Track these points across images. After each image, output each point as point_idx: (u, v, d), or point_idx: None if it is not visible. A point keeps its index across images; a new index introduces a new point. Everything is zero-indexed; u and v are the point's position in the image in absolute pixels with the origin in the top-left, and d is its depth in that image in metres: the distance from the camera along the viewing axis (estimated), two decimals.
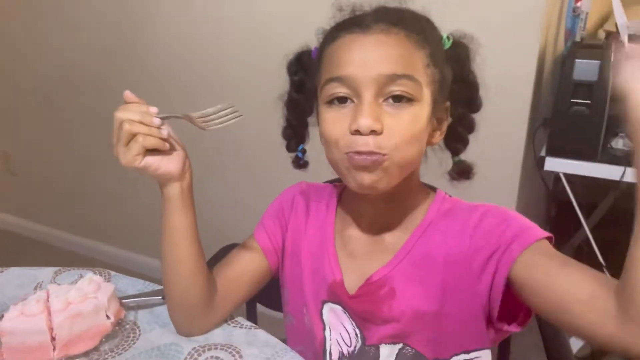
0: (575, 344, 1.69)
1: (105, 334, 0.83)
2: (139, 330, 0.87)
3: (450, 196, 0.85)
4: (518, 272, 0.70)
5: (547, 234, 0.73)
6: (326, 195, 0.90)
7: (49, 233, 2.71)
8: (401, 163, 0.72)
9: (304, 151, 0.86)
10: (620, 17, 1.62)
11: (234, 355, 0.81)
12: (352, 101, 0.71)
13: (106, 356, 0.81)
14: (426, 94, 0.72)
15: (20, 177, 2.75)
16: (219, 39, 1.94)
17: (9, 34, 2.45)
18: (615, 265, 1.59)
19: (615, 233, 1.97)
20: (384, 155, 0.70)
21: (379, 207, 0.81)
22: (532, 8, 1.42)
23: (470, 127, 0.81)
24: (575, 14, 1.76)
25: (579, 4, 1.75)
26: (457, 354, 0.81)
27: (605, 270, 1.59)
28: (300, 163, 0.87)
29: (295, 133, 0.86)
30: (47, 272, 1.03)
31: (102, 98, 2.28)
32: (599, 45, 1.51)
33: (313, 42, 0.82)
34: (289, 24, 1.76)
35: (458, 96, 0.79)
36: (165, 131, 0.73)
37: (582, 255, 2.29)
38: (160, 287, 0.95)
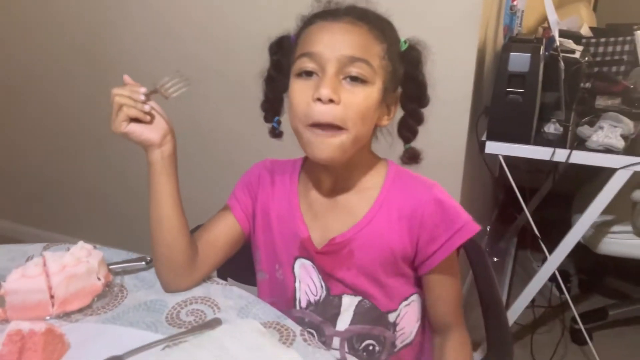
0: (516, 312, 1.86)
1: (96, 294, 0.94)
2: (126, 291, 0.98)
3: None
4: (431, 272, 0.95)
5: (474, 230, 0.91)
6: (289, 167, 1.03)
7: (15, 229, 2.75)
8: (356, 138, 0.86)
9: (279, 122, 0.99)
10: (551, 14, 1.80)
11: (212, 307, 0.93)
12: (317, 75, 0.85)
13: (99, 312, 0.93)
14: (379, 80, 0.87)
15: None
16: (184, 37, 2.03)
17: None
18: (552, 241, 1.77)
19: (553, 213, 2.16)
20: (342, 129, 0.83)
21: (336, 173, 0.95)
22: (470, 6, 1.58)
23: (420, 120, 0.95)
24: (512, 11, 1.94)
25: (515, 2, 1.93)
26: (401, 303, 0.98)
27: (541, 242, 1.77)
28: (275, 133, 0.99)
29: (271, 106, 0.98)
30: (36, 247, 1.12)
31: (64, 93, 2.36)
32: (531, 40, 1.68)
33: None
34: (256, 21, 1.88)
35: (410, 93, 0.93)
36: (147, 106, 0.88)
37: (526, 234, 2.50)
38: (142, 255, 1.07)
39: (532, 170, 2.33)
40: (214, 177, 2.14)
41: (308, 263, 0.98)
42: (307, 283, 0.98)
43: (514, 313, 1.86)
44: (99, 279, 0.94)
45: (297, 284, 0.99)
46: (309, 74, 0.86)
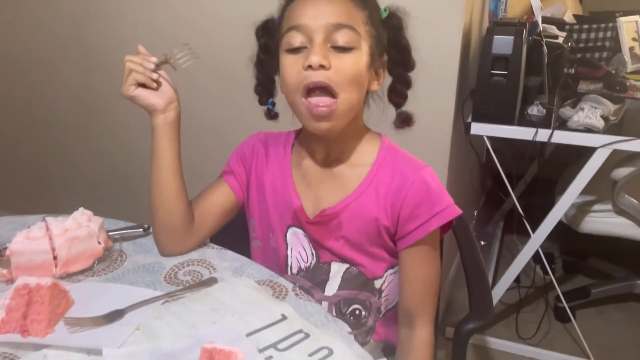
0: (501, 289, 1.92)
1: (97, 257, 0.98)
2: (125, 255, 1.03)
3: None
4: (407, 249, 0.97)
5: (454, 214, 0.94)
6: (282, 139, 1.08)
7: None
8: (348, 105, 0.90)
9: (273, 104, 1.03)
10: (534, 0, 1.86)
11: (208, 268, 0.98)
12: (306, 48, 0.89)
13: (100, 274, 0.97)
14: (365, 45, 0.91)
15: None
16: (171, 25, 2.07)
17: None
18: (537, 224, 1.82)
19: (538, 198, 2.23)
20: (334, 98, 0.88)
21: (330, 144, 0.99)
22: None
23: (408, 84, 0.99)
24: None
25: None
26: (386, 270, 1.03)
27: (525, 221, 1.82)
28: (271, 114, 1.04)
29: (264, 88, 1.03)
30: (36, 217, 1.16)
31: (55, 85, 2.37)
32: (514, 23, 1.73)
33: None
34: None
35: (395, 58, 0.98)
36: (155, 74, 0.93)
37: (512, 219, 2.56)
38: (140, 223, 1.11)
39: (518, 157, 2.39)
40: (203, 165, 2.18)
41: (300, 232, 1.02)
42: (299, 250, 1.03)
43: (500, 290, 1.92)
44: (99, 242, 0.99)
45: (289, 251, 1.04)
46: (298, 50, 0.90)
